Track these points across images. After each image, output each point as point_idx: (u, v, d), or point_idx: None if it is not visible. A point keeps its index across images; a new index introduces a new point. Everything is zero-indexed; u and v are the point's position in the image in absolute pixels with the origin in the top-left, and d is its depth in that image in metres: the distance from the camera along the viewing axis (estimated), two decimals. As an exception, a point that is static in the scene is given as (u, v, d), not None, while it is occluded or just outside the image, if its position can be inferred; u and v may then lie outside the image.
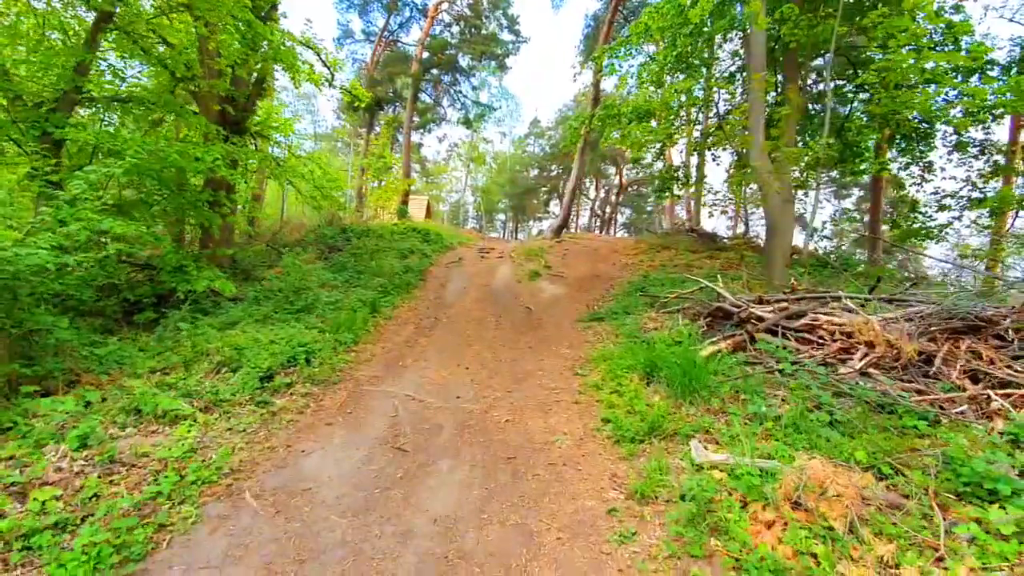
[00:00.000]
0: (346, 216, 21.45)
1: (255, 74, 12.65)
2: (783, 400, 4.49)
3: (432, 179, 42.89)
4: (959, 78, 9.43)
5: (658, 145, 15.33)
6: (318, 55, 15.81)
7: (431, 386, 5.63)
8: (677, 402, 4.75)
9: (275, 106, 17.01)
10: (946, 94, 9.94)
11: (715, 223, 30.86)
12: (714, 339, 6.23)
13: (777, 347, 5.29)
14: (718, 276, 7.97)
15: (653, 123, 11.27)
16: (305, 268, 10.23)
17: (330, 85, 16.95)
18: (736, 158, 14.12)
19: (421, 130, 29.60)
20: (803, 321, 5.67)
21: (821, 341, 5.37)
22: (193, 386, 4.76)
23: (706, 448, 3.87)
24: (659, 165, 27.38)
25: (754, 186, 20.51)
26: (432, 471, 3.79)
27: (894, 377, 4.49)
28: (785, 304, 6.12)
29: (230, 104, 12.25)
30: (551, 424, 4.66)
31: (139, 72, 12.74)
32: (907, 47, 8.79)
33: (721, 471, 3.56)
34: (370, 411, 4.87)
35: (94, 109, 9.46)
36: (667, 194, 16.77)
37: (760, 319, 5.96)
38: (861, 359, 4.73)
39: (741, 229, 27.36)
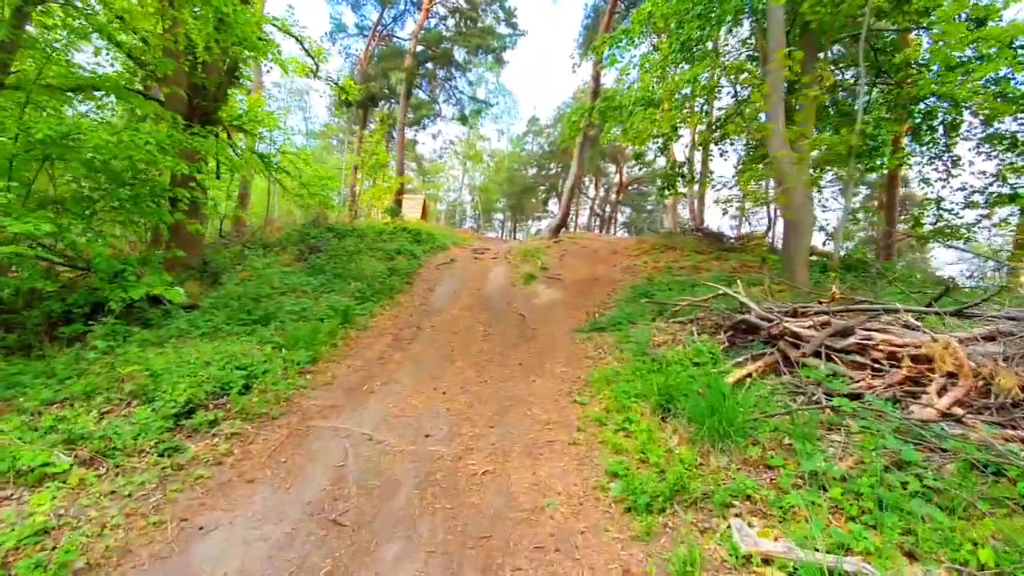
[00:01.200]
0: (335, 215, 20.38)
1: (229, 61, 11.52)
2: (843, 449, 3.40)
3: (429, 178, 41.79)
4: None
5: (661, 140, 14.22)
6: (300, 43, 14.72)
7: (397, 419, 4.53)
8: (703, 447, 3.65)
9: (261, 99, 15.86)
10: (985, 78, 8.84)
11: (718, 222, 29.71)
12: (739, 359, 5.14)
13: (826, 375, 4.19)
14: (737, 282, 6.88)
15: (658, 115, 10.17)
16: (270, 272, 9.15)
17: (315, 76, 15.91)
18: (746, 152, 13.02)
19: (416, 127, 28.51)
20: (851, 340, 4.58)
21: (878, 366, 4.27)
22: (84, 428, 3.66)
23: (751, 527, 2.78)
24: (661, 162, 26.31)
25: (763, 182, 19.44)
26: (372, 561, 2.70)
27: (989, 420, 3.40)
28: (825, 317, 5.02)
29: (199, 93, 11.19)
30: (541, 478, 3.56)
31: (102, 60, 11.69)
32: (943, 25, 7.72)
33: (779, 570, 2.47)
34: (311, 459, 3.78)
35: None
36: (671, 192, 15.67)
37: (796, 336, 4.87)
38: (940, 393, 3.63)
39: (746, 228, 26.28)
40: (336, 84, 16.59)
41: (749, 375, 4.71)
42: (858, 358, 4.46)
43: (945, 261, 28.52)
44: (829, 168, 9.48)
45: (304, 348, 5.80)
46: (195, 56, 10.59)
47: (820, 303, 5.67)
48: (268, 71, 33.48)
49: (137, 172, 7.81)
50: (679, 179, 15.36)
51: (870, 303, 5.40)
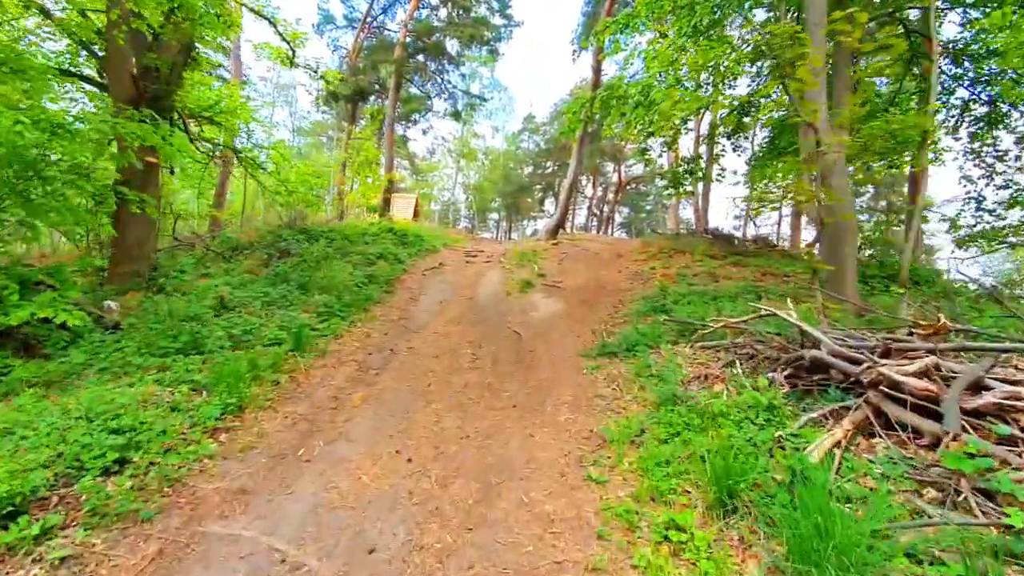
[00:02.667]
0: (319, 215, 18.81)
1: (182, 39, 9.97)
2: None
3: (423, 177, 40.20)
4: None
5: (670, 134, 12.79)
6: (273, 26, 13.21)
7: (333, 515, 3.06)
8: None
9: (234, 88, 14.28)
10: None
11: (720, 224, 28.29)
12: (812, 414, 3.69)
13: (966, 456, 2.73)
14: (788, 301, 5.44)
15: (679, 95, 8.69)
16: (217, 282, 7.65)
17: (291, 64, 14.45)
18: (766, 145, 11.60)
19: (406, 122, 26.95)
20: (988, 398, 3.14)
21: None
22: None
23: None
24: (662, 161, 24.93)
25: (767, 182, 18.05)
26: None
27: None
28: (932, 359, 3.58)
29: (149, 76, 9.67)
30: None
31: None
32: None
33: None
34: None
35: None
36: (678, 191, 14.25)
37: (896, 386, 3.43)
38: None
39: (744, 230, 24.90)
40: (315, 72, 15.07)
41: (838, 444, 3.27)
42: (993, 423, 3.02)
43: (954, 263, 27.08)
44: (868, 160, 8.09)
45: (227, 391, 4.30)
46: (146, 35, 9.15)
47: (915, 334, 4.22)
48: (250, 68, 31.87)
49: (48, 164, 6.27)
50: (687, 176, 13.94)
51: (988, 340, 3.95)
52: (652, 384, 4.92)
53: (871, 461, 3.18)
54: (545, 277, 11.28)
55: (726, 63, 8.48)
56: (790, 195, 6.65)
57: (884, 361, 3.63)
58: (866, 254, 12.59)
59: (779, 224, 26.23)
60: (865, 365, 3.57)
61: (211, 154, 12.79)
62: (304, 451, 3.82)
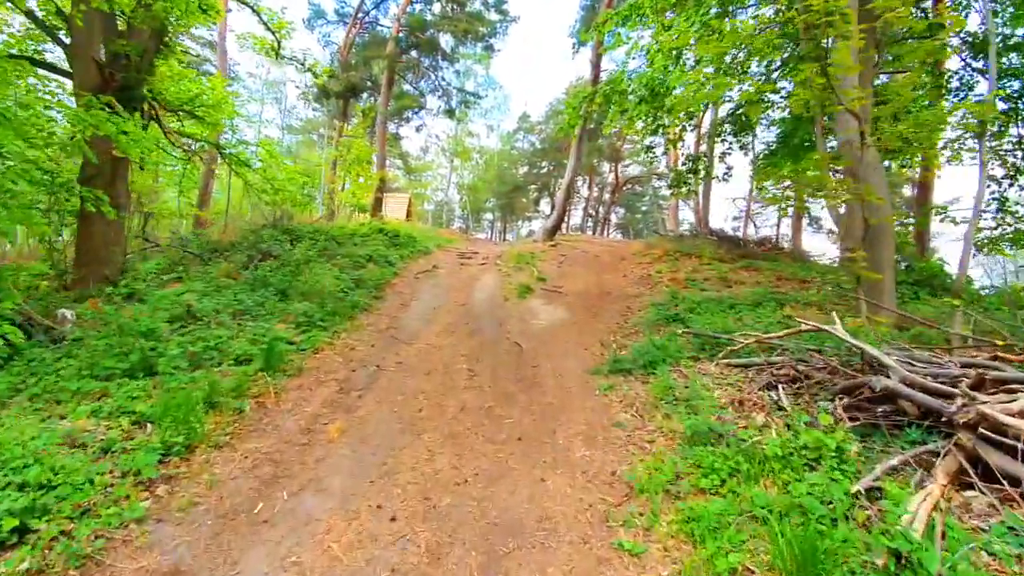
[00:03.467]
0: (307, 215, 17.94)
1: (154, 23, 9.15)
2: None
3: (416, 176, 39.34)
4: None
5: (678, 129, 12.12)
6: (256, 14, 12.45)
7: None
8: None
9: (217, 81, 13.40)
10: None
11: (719, 225, 27.62)
12: (890, 459, 2.98)
13: None
14: (833, 315, 4.73)
15: (703, 78, 7.93)
16: (173, 292, 6.85)
17: (276, 55, 13.67)
18: (780, 138, 10.93)
19: (399, 120, 26.11)
20: None
21: None
22: None
23: None
24: (663, 162, 24.35)
25: (761, 182, 17.43)
26: None
27: None
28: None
29: (117, 63, 8.88)
30: None
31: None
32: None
33: None
34: None
35: None
36: (683, 190, 13.58)
37: (998, 428, 2.72)
38: None
39: (752, 232, 24.32)
40: (302, 65, 14.27)
41: (938, 505, 2.56)
42: None
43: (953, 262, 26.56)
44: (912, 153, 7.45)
45: (174, 425, 3.52)
46: (115, 20, 8.40)
47: (1000, 358, 3.53)
48: (238, 64, 30.86)
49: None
50: (691, 175, 13.27)
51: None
52: (679, 412, 4.20)
53: (982, 529, 2.48)
54: (545, 281, 10.55)
55: (747, 49, 7.78)
56: (821, 193, 5.99)
57: (980, 396, 2.93)
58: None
59: (778, 226, 25.69)
60: (960, 403, 2.86)
61: (185, 148, 11.96)
62: (262, 507, 3.05)
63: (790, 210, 23.78)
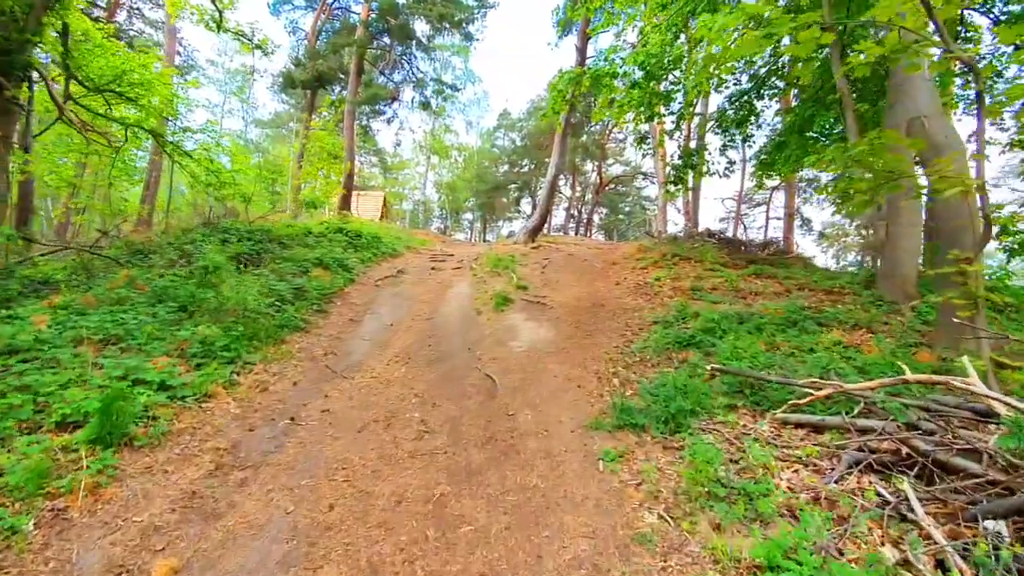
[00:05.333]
0: (275, 213, 15.88)
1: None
2: None
3: (393, 174, 37.26)
4: None
5: (680, 110, 10.58)
6: (188, -24, 10.47)
7: None
8: None
9: (148, 56, 11.31)
10: None
11: (707, 225, 26.31)
12: None
13: None
14: (964, 360, 3.15)
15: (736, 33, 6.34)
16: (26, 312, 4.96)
17: (219, 28, 11.77)
18: (794, 128, 9.44)
19: (370, 112, 24.12)
20: None
21: None
22: None
23: None
24: (647, 163, 22.95)
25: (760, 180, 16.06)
26: None
27: None
28: None
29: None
30: None
31: None
32: None
33: None
34: None
35: None
36: (680, 186, 12.05)
37: None
38: None
39: (734, 232, 23.02)
40: (250, 41, 12.31)
41: None
42: None
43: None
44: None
45: None
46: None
47: None
48: (197, 50, 28.41)
49: None
50: (690, 170, 11.75)
51: None
52: (736, 515, 2.57)
53: None
54: (527, 290, 8.87)
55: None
56: (890, 183, 4.51)
57: None
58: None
59: (766, 227, 24.52)
60: None
61: (99, 132, 9.96)
62: None
63: (780, 212, 22.59)
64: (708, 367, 4.39)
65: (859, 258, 30.35)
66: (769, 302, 6.85)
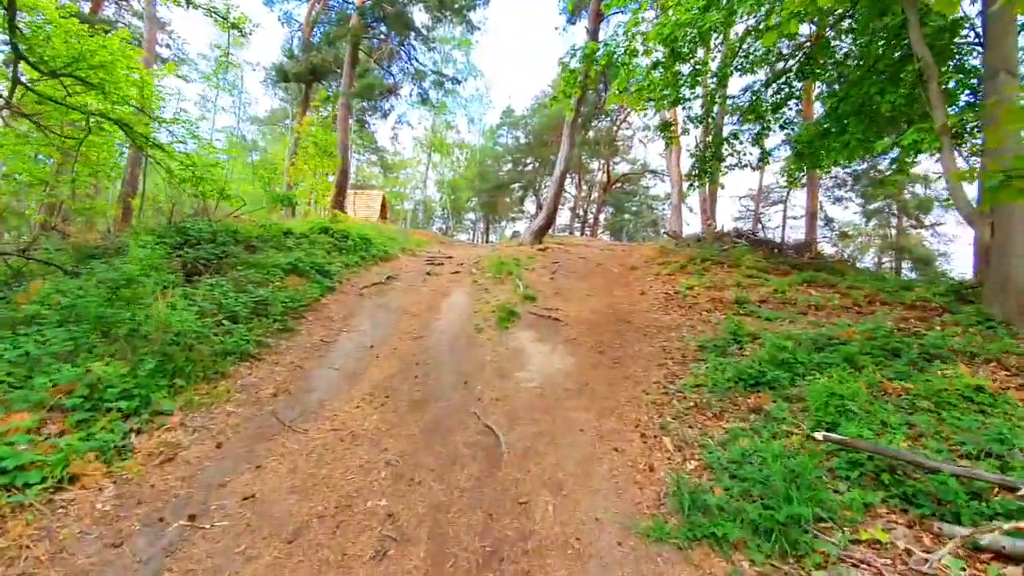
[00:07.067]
0: (274, 213, 14.43)
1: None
2: None
3: (394, 174, 35.82)
4: None
5: (703, 92, 9.13)
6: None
7: None
8: None
9: (112, 38, 9.88)
10: None
11: (722, 223, 24.75)
12: None
13: None
14: None
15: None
16: None
17: (188, 3, 10.40)
18: (832, 109, 7.93)
19: (367, 107, 22.69)
20: None
21: None
22: None
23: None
24: (658, 162, 21.45)
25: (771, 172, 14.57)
26: None
27: None
28: None
29: None
30: None
31: None
32: None
33: None
34: None
35: None
36: (705, 179, 10.57)
37: None
38: None
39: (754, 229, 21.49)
40: (224, 20, 10.90)
41: None
42: None
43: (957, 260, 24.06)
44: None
45: None
46: None
47: None
48: (187, 43, 26.97)
49: None
50: (718, 162, 10.27)
51: None
52: None
53: None
54: (535, 301, 7.41)
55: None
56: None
57: None
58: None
59: (783, 227, 22.93)
60: None
61: (33, 117, 8.56)
62: None
63: (801, 210, 21.07)
64: (818, 434, 2.91)
65: (876, 259, 28.76)
66: (842, 320, 5.38)
